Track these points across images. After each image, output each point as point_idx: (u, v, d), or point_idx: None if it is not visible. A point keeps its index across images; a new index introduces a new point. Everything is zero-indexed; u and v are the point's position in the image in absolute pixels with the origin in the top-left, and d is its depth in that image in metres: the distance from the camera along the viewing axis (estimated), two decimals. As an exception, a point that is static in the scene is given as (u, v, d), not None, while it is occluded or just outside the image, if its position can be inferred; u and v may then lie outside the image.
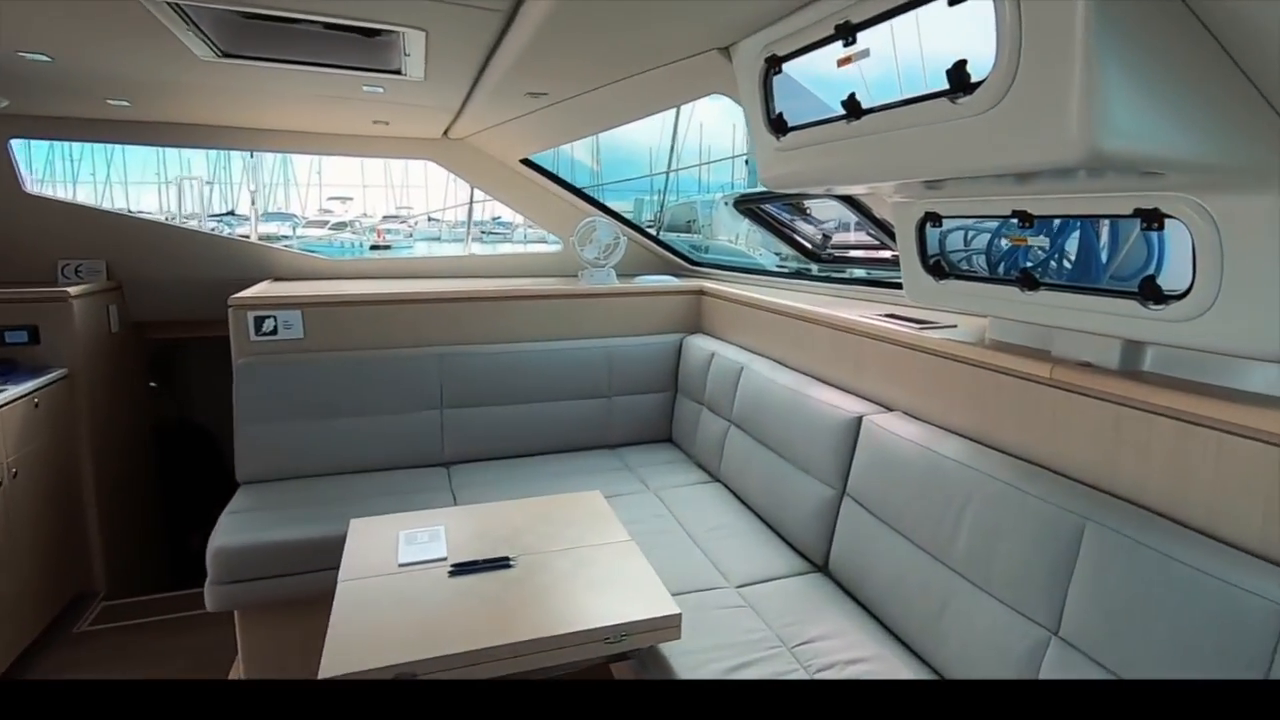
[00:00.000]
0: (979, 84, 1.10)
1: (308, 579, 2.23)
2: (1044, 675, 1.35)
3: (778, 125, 1.64)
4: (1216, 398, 1.29)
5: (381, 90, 2.48)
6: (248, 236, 6.55)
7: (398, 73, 2.23)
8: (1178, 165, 1.05)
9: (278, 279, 3.54)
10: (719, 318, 3.29)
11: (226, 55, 2.11)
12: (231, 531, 2.29)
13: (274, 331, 2.81)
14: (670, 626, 1.55)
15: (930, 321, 2.14)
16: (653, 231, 4.16)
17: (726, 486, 2.71)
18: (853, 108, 1.38)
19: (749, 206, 3.05)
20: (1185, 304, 1.25)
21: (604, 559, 1.78)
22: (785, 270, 3.45)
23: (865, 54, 1.32)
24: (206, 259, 3.55)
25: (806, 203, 2.82)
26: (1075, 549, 1.35)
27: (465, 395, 2.97)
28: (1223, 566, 1.15)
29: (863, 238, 2.88)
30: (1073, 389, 1.55)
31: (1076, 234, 1.62)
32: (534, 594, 1.62)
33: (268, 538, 2.26)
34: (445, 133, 3.41)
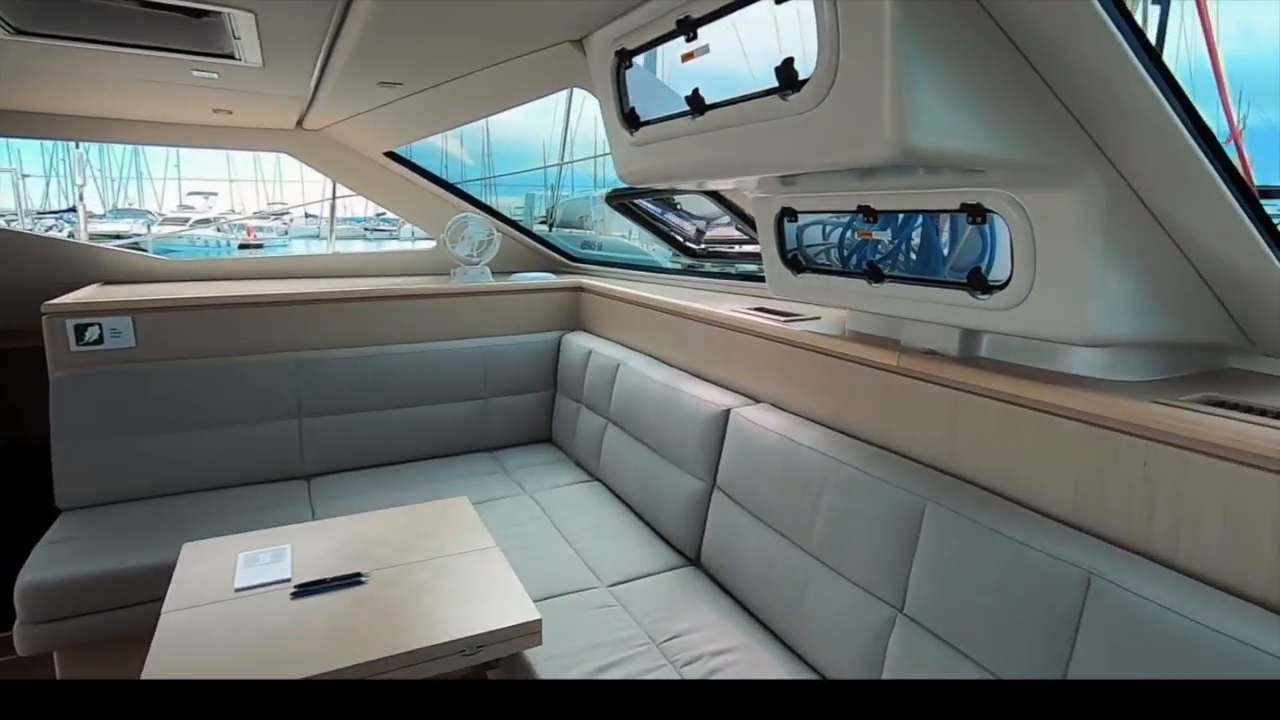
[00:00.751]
0: (805, 82, 1.12)
1: (139, 612, 2.02)
2: (890, 651, 1.42)
3: (631, 120, 1.63)
4: (1039, 381, 1.38)
5: (215, 76, 2.28)
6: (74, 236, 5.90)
7: (231, 57, 2.05)
8: (985, 162, 1.11)
9: (107, 282, 3.20)
10: (598, 315, 3.27)
11: (21, 33, 1.87)
12: (46, 564, 2.04)
13: (99, 341, 2.53)
14: (531, 633, 1.50)
15: (796, 314, 2.21)
16: (545, 228, 4.08)
17: (605, 485, 2.69)
18: (696, 103, 1.38)
19: (622, 202, 3.04)
20: (1006, 293, 1.34)
21: (464, 568, 1.72)
22: (676, 266, 3.47)
23: (705, 50, 1.33)
24: (18, 261, 3.16)
25: (678, 198, 2.85)
26: (917, 529, 1.42)
27: (327, 403, 2.80)
28: (1040, 537, 1.24)
29: (736, 232, 2.95)
30: (917, 376, 1.63)
31: (921, 228, 1.71)
32: (386, 610, 1.53)
33: (88, 569, 2.03)
34: (299, 123, 3.20)
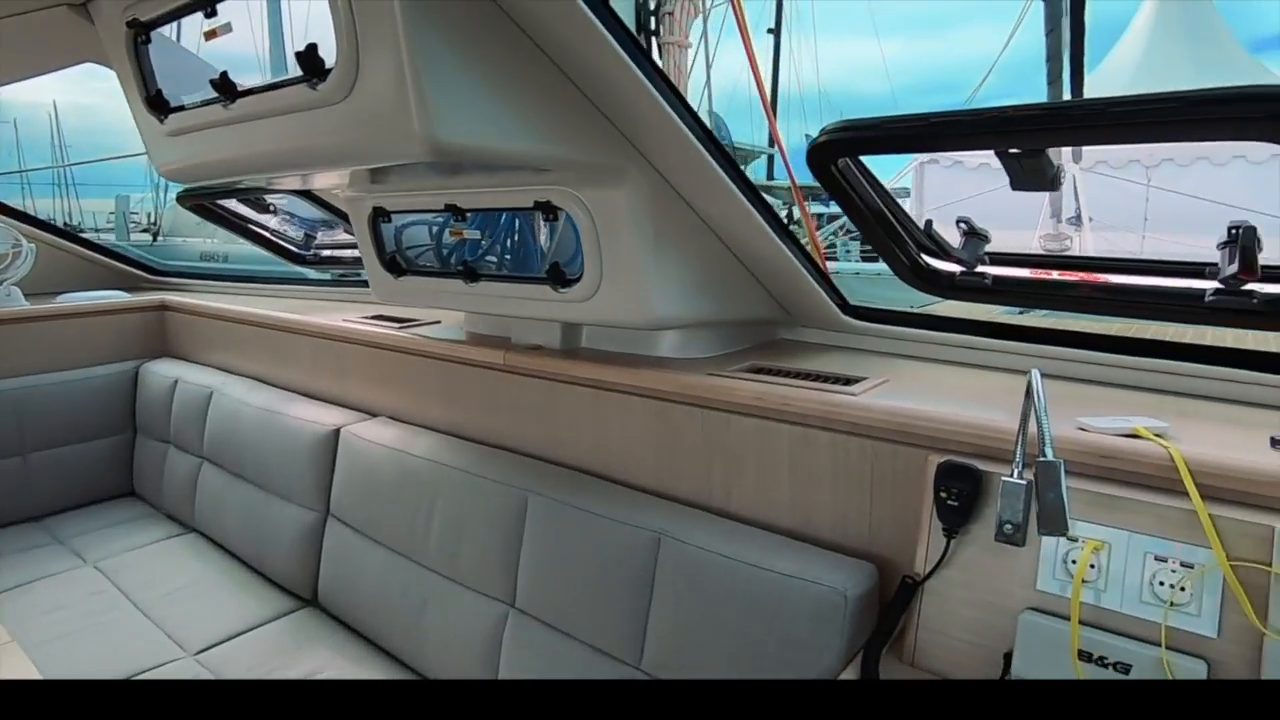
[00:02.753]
0: (331, 70, 1.06)
1: None
2: (505, 647, 1.44)
3: (157, 104, 1.39)
4: (622, 365, 1.51)
5: None
6: None
7: None
8: (522, 159, 1.18)
9: None
10: (189, 336, 2.79)
11: None
12: None
13: None
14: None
15: (414, 320, 2.13)
16: (147, 237, 3.31)
17: (203, 535, 2.30)
18: (225, 88, 1.22)
19: (198, 203, 2.62)
20: (581, 286, 1.44)
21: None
22: (315, 276, 3.07)
23: (228, 28, 1.19)
24: None
25: (273, 198, 2.55)
26: (522, 521, 1.45)
27: None
28: (622, 508, 1.35)
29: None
30: (522, 372, 1.68)
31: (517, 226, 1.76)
32: None
33: None
34: None
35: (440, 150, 0.99)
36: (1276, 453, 0.99)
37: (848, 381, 1.34)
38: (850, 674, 1.07)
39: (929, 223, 1.41)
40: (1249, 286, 1.14)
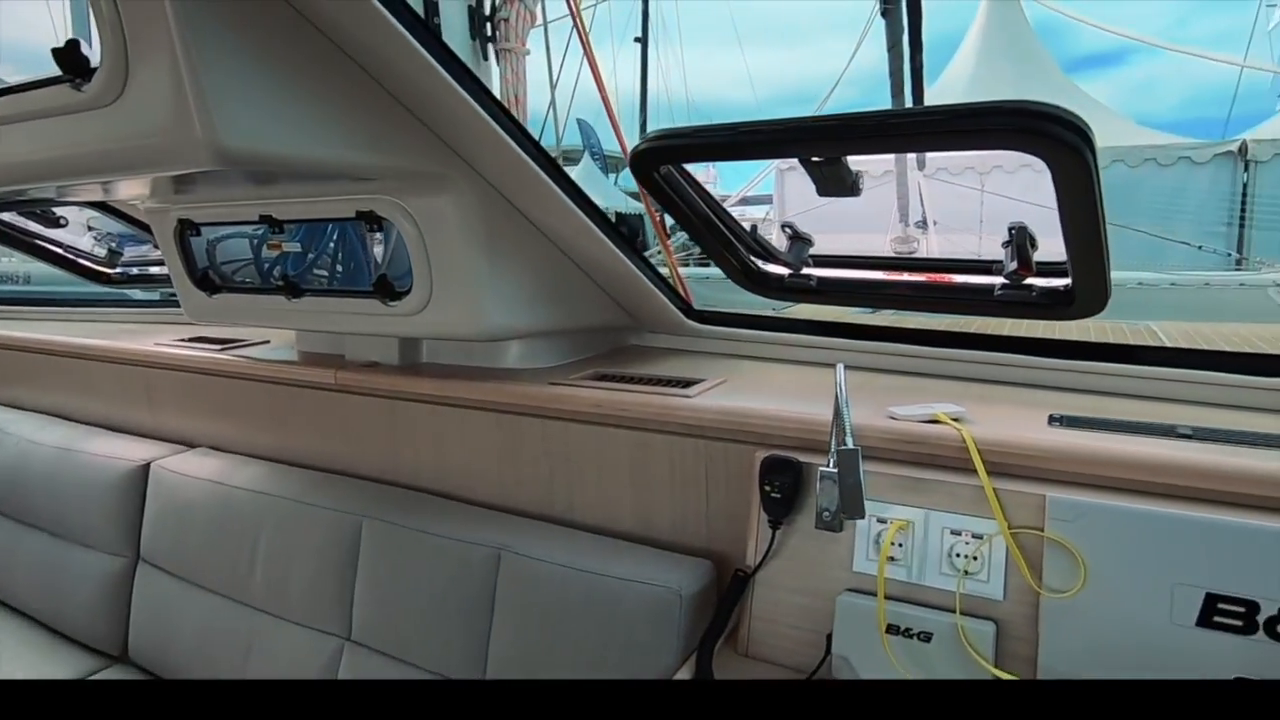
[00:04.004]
0: (96, 70, 0.99)
1: None
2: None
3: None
4: (463, 379, 1.50)
5: None
6: None
7: None
8: (334, 168, 1.15)
9: None
10: (-36, 370, 2.48)
11: None
12: None
13: None
14: None
15: (239, 340, 2.00)
16: None
17: (-11, 598, 2.05)
18: None
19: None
20: (412, 299, 1.41)
21: None
22: (110, 297, 2.77)
23: None
24: None
25: (58, 210, 2.32)
26: (356, 548, 1.41)
27: None
28: (462, 526, 1.34)
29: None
30: (357, 390, 1.62)
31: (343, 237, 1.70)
32: None
33: None
34: None
35: (228, 157, 0.95)
36: (1053, 429, 1.13)
37: (687, 384, 1.39)
38: (686, 672, 1.12)
39: (754, 227, 1.50)
40: (1028, 281, 1.29)
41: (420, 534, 1.34)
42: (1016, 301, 1.29)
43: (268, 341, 2.01)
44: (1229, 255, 10.54)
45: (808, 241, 1.52)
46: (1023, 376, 1.42)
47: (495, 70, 1.98)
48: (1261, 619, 0.86)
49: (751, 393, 1.39)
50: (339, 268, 1.72)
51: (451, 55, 1.07)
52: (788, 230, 1.52)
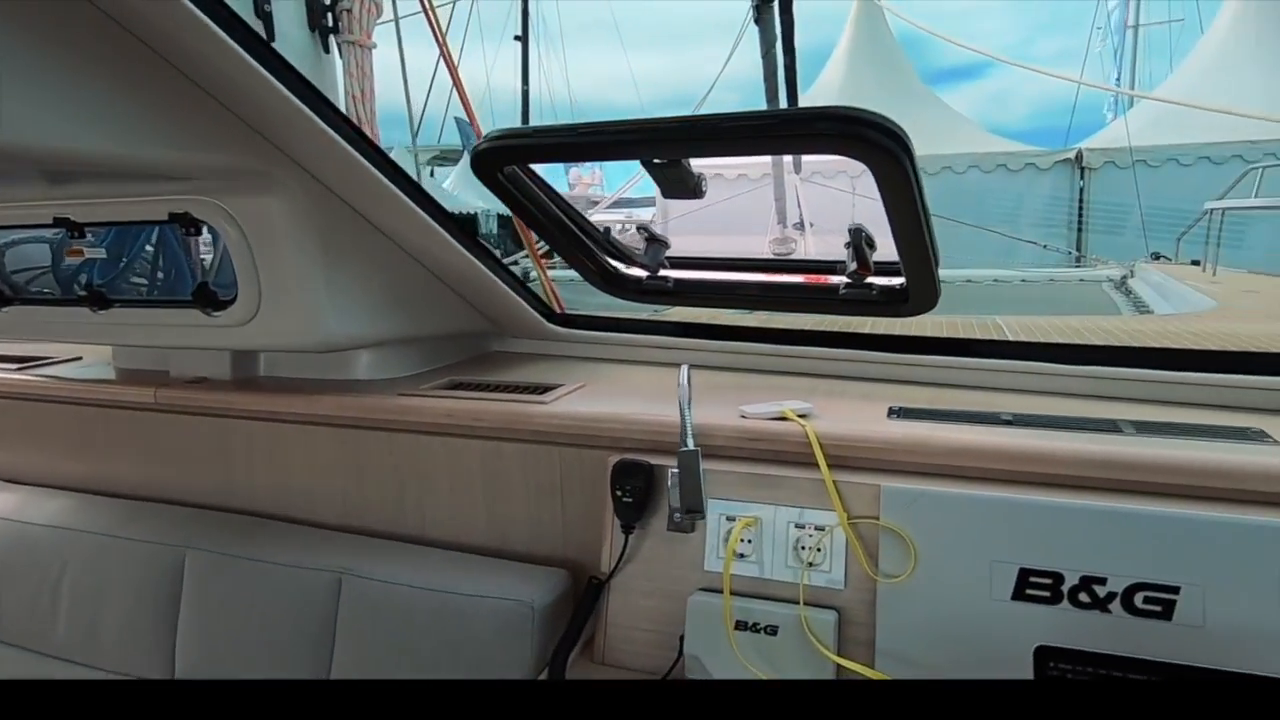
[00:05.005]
0: None
1: None
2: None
3: None
4: (303, 392, 1.42)
5: None
6: None
7: None
8: (136, 165, 1.06)
9: None
10: None
11: None
12: None
13: None
14: None
15: (42, 358, 1.82)
16: None
17: None
18: None
19: None
20: (237, 309, 1.33)
21: None
22: None
23: None
24: None
25: None
26: (179, 582, 1.31)
27: None
28: (301, 551, 1.27)
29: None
30: (183, 410, 1.51)
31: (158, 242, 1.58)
32: None
33: None
34: None
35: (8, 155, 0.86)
36: (891, 421, 1.21)
37: (544, 390, 1.38)
38: (539, 685, 1.11)
39: (607, 230, 1.51)
40: (869, 280, 1.37)
41: (253, 562, 1.26)
42: (858, 300, 1.36)
43: (79, 358, 1.84)
44: (1070, 254, 11.69)
45: (664, 244, 1.55)
46: (872, 371, 1.51)
47: (339, 64, 1.90)
48: (1065, 589, 0.95)
49: (610, 396, 1.40)
50: (160, 275, 1.60)
51: (264, 44, 1.01)
52: (644, 232, 1.54)
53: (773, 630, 1.05)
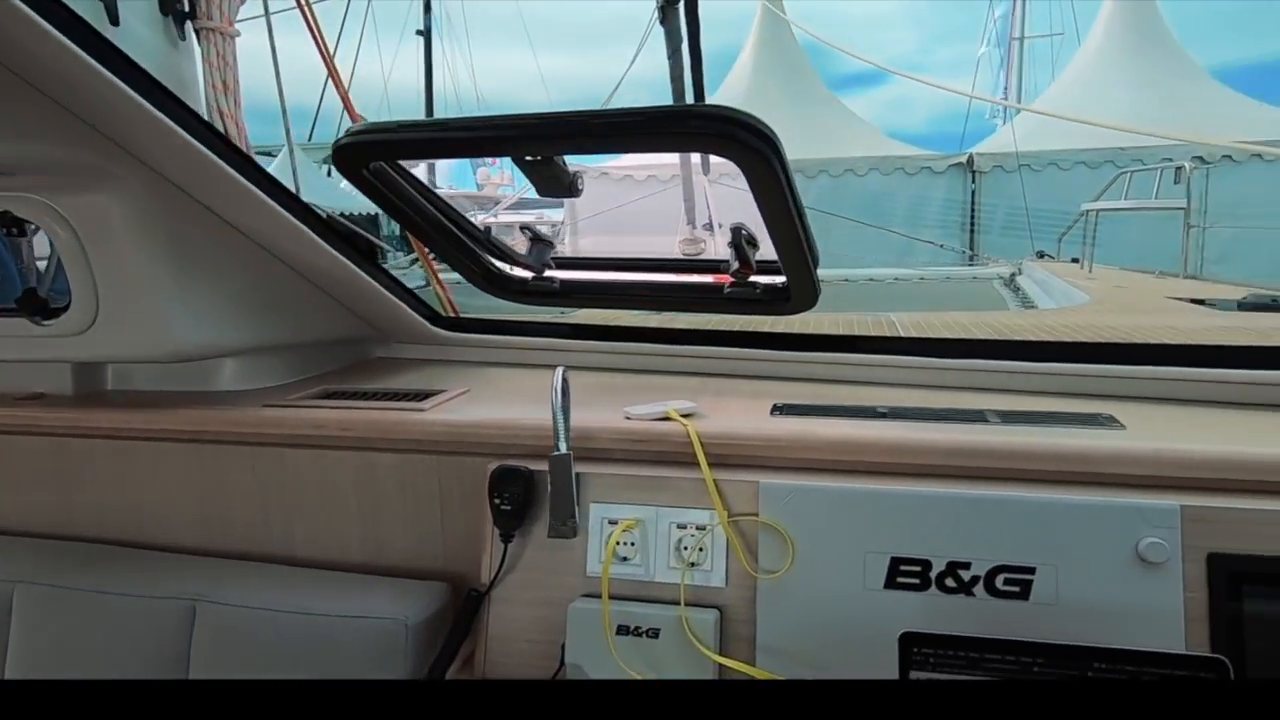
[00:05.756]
0: None
1: None
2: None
3: None
4: (154, 407, 1.33)
5: None
6: None
7: None
8: None
9: None
10: None
11: None
12: None
13: None
14: None
15: None
16: None
17: None
18: None
19: None
20: (71, 317, 1.23)
21: None
22: None
23: None
24: None
25: None
26: (7, 620, 1.20)
27: None
28: (152, 579, 1.19)
29: None
30: (12, 429, 1.39)
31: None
32: None
33: None
34: None
35: None
36: (774, 418, 1.23)
37: (423, 397, 1.34)
38: (415, 705, 1.07)
39: (488, 229, 1.48)
40: (753, 279, 1.39)
41: (94, 594, 1.16)
42: (742, 299, 1.38)
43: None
44: (965, 253, 12.37)
45: (549, 244, 1.54)
46: (762, 370, 1.54)
47: (198, 52, 1.79)
48: (934, 575, 0.99)
49: (493, 402, 1.37)
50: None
51: (89, 30, 0.93)
52: (527, 232, 1.52)
53: (655, 633, 1.04)
